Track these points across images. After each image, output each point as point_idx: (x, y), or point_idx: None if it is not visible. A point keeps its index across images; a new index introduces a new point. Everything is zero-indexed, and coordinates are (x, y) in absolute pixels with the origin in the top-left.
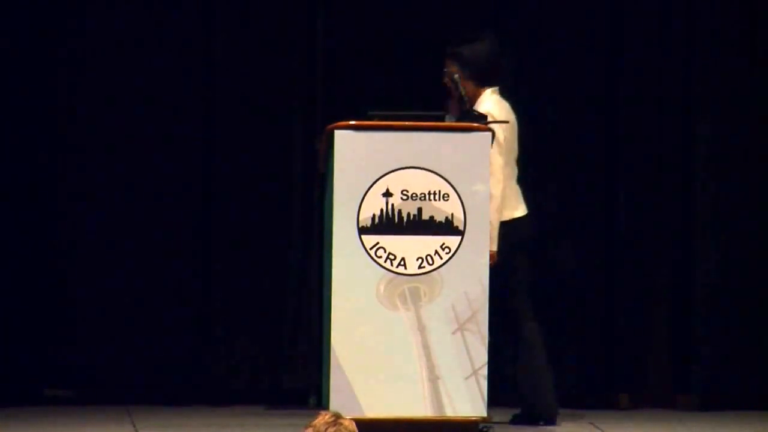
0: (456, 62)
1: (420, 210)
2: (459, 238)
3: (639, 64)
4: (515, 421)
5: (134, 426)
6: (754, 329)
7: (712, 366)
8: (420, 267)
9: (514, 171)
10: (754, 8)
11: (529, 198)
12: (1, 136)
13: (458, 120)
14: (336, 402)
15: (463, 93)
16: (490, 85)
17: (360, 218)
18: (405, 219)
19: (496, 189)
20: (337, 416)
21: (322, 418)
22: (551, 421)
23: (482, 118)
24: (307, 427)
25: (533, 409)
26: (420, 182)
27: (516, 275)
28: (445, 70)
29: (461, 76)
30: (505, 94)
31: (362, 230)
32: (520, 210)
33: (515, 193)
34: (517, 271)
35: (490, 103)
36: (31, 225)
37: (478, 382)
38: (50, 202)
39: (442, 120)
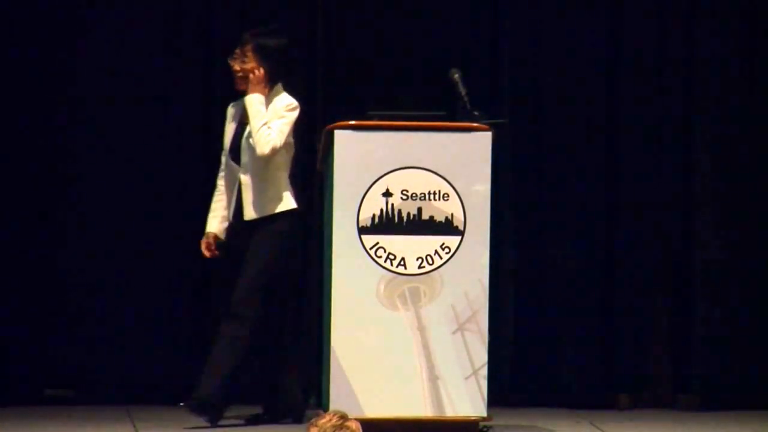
0: (259, 53)
1: (420, 210)
2: (459, 238)
3: (640, 64)
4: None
5: (134, 426)
6: (754, 329)
7: (712, 366)
8: (420, 267)
9: (289, 165)
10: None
11: (530, 196)
12: (2, 137)
13: (458, 120)
14: (336, 402)
15: (463, 93)
16: (279, 81)
17: (360, 218)
18: (405, 219)
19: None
20: (345, 418)
21: (329, 420)
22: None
23: (482, 117)
24: (312, 425)
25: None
26: (420, 182)
27: (271, 265)
28: (236, 55)
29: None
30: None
31: (362, 230)
32: (291, 203)
33: (290, 187)
34: (275, 261)
35: (291, 98)
36: (31, 225)
37: (478, 382)
38: (50, 202)
39: (442, 120)
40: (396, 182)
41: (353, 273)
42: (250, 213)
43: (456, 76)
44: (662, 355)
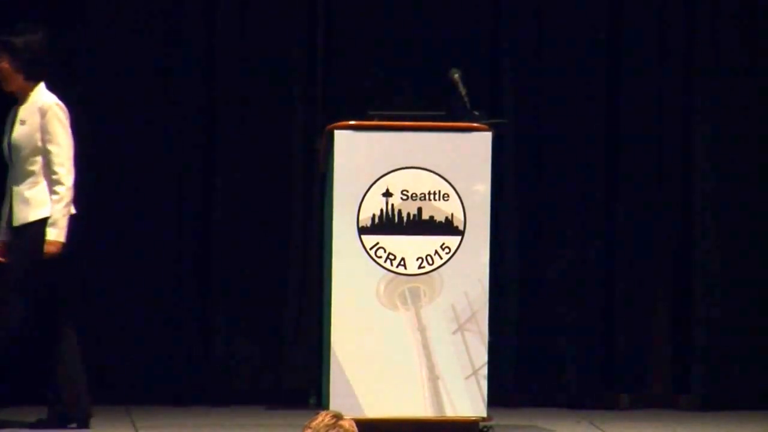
0: (6, 52)
1: (420, 210)
2: (459, 238)
3: (640, 64)
4: (39, 425)
5: (134, 426)
6: (754, 329)
7: (712, 366)
8: (420, 267)
9: (50, 171)
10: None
11: (529, 196)
12: None
13: (458, 120)
14: (336, 402)
15: (463, 93)
16: (40, 80)
17: (360, 218)
18: (405, 219)
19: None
20: (338, 417)
21: (322, 420)
22: (84, 424)
23: (482, 117)
24: (306, 427)
25: (67, 410)
26: (420, 182)
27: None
28: None
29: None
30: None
31: (362, 230)
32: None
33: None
34: (29, 269)
35: (53, 96)
36: None
37: (478, 382)
38: None
39: (442, 120)
40: (396, 182)
41: (353, 273)
42: (15, 219)
43: (456, 76)
44: (662, 355)
